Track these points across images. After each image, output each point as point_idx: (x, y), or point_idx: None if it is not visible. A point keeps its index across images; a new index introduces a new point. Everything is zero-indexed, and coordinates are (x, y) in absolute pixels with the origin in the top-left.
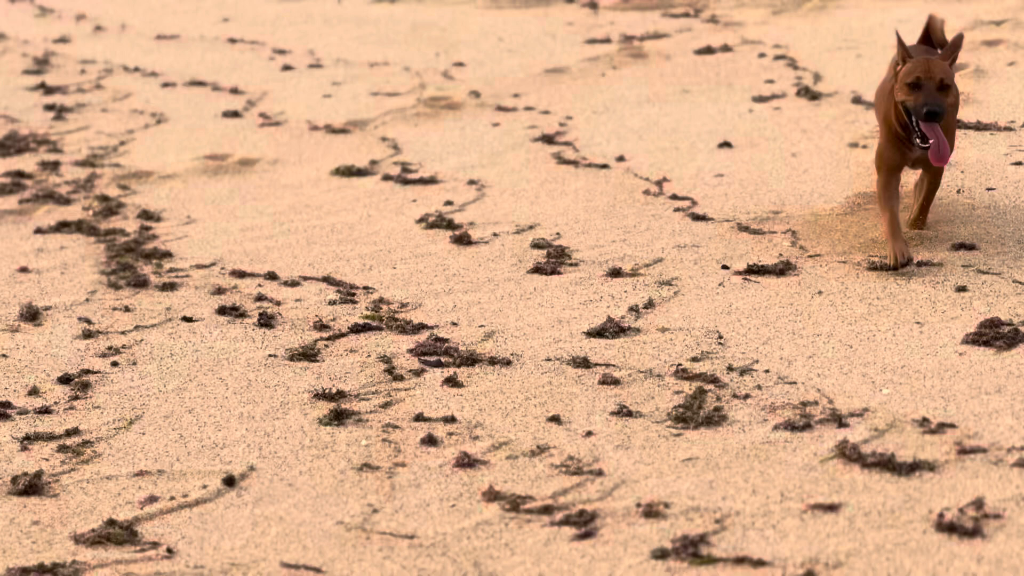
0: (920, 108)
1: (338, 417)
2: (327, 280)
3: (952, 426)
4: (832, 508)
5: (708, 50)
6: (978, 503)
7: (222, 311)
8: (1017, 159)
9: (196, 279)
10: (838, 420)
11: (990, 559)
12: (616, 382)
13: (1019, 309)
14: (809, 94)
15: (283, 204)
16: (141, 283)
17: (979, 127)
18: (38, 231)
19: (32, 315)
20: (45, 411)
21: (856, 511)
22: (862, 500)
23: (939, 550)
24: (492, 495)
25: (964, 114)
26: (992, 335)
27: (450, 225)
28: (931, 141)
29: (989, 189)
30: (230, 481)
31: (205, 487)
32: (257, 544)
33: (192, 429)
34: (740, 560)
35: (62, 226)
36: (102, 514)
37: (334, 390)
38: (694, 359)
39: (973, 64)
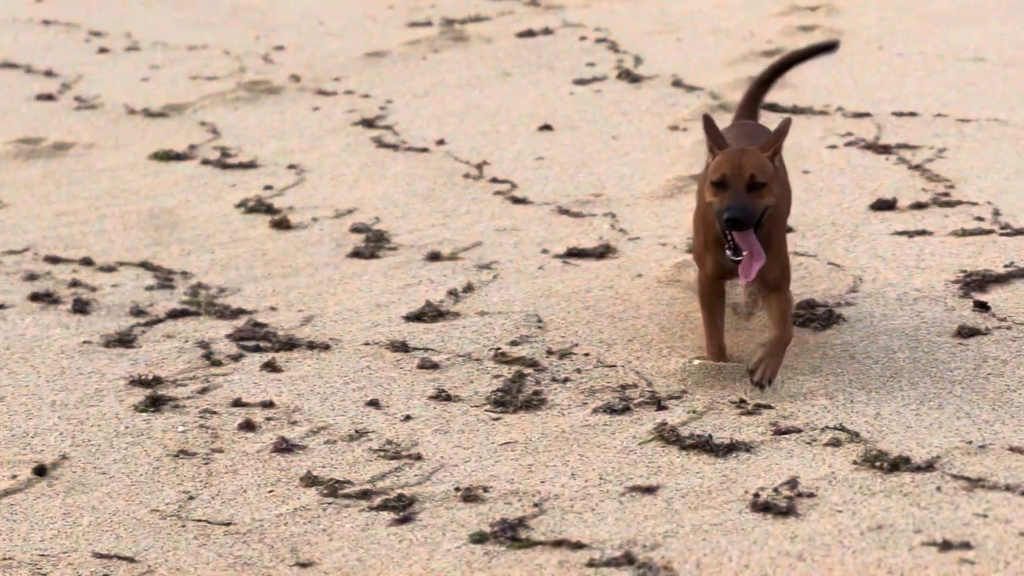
0: (722, 214)
1: (154, 403)
2: (144, 266)
3: (768, 407)
4: (650, 490)
5: (529, 33)
6: (792, 482)
7: (35, 297)
8: (832, 142)
9: (8, 265)
10: (657, 403)
11: (803, 537)
12: (435, 366)
13: (833, 291)
14: (630, 77)
15: (99, 189)
16: None
17: (795, 111)
18: None
19: None
20: None
21: (674, 492)
22: (680, 482)
23: (754, 529)
24: (310, 480)
25: (780, 97)
26: (807, 316)
27: (269, 210)
28: (744, 254)
29: (805, 172)
30: (41, 471)
31: (15, 477)
32: (68, 534)
33: (2, 418)
34: (559, 543)
35: None
36: None
37: (150, 376)
38: (513, 343)
39: (790, 50)
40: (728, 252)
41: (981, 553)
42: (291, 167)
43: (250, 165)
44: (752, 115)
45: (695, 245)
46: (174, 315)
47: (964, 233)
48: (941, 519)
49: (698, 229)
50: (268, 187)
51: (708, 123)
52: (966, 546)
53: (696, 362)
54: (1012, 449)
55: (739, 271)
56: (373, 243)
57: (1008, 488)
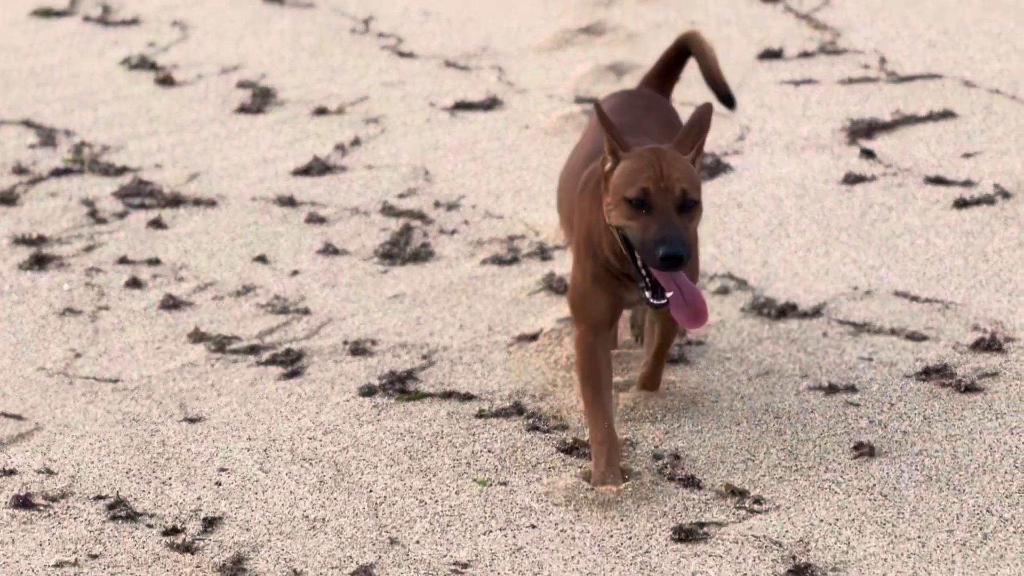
0: (652, 248)
1: (39, 262)
2: (26, 124)
3: None
4: (537, 338)
5: None
6: (681, 331)
7: None
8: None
9: None
10: (543, 253)
11: (693, 383)
12: (322, 220)
13: (720, 140)
14: None
15: None
16: None
17: None
18: None
19: None
20: None
21: (562, 342)
22: (569, 331)
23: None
24: (198, 336)
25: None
26: None
27: (153, 67)
28: (669, 295)
29: (691, 22)
30: None
31: None
32: None
33: None
34: (448, 395)
35: None
36: None
37: (35, 235)
38: (401, 196)
39: (627, 31)
40: (646, 294)
41: (866, 396)
42: (175, 23)
43: (133, 22)
44: (664, 79)
45: (575, 281)
46: (57, 173)
47: (851, 81)
48: (827, 363)
49: (580, 257)
50: (151, 44)
51: (601, 113)
52: (851, 389)
53: (586, 487)
54: (897, 294)
55: (677, 317)
56: (259, 99)
57: (893, 332)
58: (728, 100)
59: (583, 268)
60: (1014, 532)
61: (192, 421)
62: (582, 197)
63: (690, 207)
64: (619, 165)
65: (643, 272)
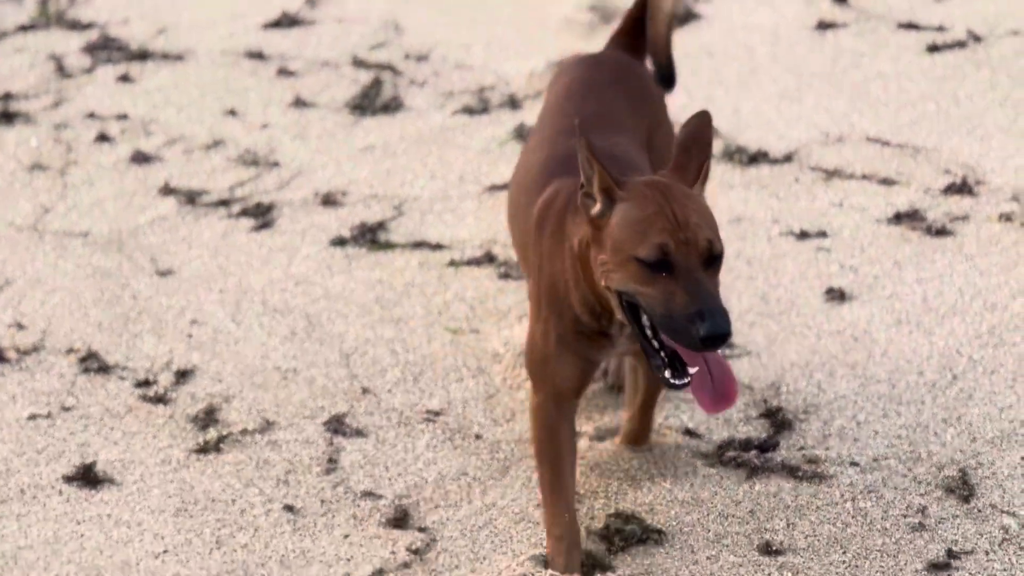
0: (685, 324)
1: (6, 118)
2: None
3: None
4: (507, 187)
5: None
6: None
7: None
8: None
9: None
10: (514, 103)
11: None
12: (292, 74)
13: None
14: None
15: None
16: None
17: None
18: None
19: None
20: None
21: None
22: None
23: None
24: (168, 190)
25: None
26: None
27: None
28: (692, 372)
29: None
30: None
31: None
32: None
33: None
34: (419, 245)
35: None
36: None
37: (1, 91)
38: (371, 48)
39: None
40: (664, 374)
41: (837, 241)
42: None
43: None
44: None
45: (535, 338)
46: (23, 29)
47: None
48: (799, 209)
49: (540, 311)
50: None
51: (588, 148)
52: (822, 234)
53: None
54: (869, 139)
55: (702, 403)
56: None
57: (864, 177)
58: (667, 78)
59: (545, 326)
60: (983, 373)
61: (163, 274)
62: (540, 236)
63: (717, 262)
64: (617, 211)
65: (656, 345)
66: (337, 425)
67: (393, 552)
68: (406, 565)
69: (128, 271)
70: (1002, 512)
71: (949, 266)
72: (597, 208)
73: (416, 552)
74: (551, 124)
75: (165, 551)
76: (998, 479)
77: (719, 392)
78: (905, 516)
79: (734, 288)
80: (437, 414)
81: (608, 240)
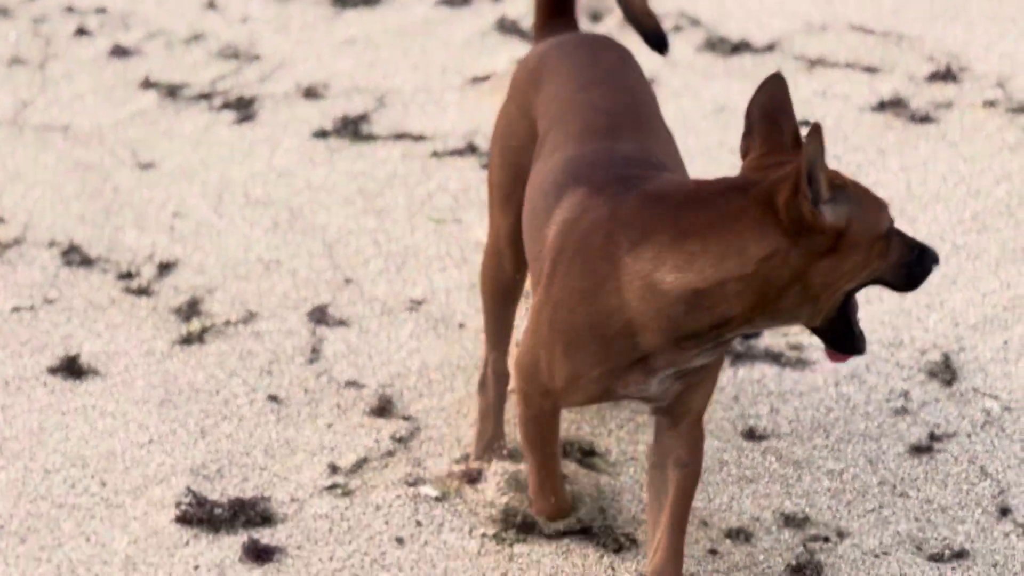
0: (923, 266)
1: None
2: None
3: None
4: (490, 80)
5: None
6: None
7: None
8: None
9: None
10: None
11: None
12: None
13: None
14: None
15: None
16: None
17: None
18: None
19: None
20: None
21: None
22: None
23: None
24: (148, 83)
25: None
26: None
27: None
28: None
29: None
30: None
31: None
32: None
33: None
34: (401, 136)
35: None
36: None
37: None
38: None
39: None
40: (861, 344)
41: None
42: None
43: None
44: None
45: (537, 365)
46: None
47: None
48: None
49: (556, 341)
50: None
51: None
52: (805, 123)
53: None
54: (852, 27)
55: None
56: None
57: (848, 65)
58: (659, 41)
59: (564, 365)
60: (966, 258)
61: (145, 167)
62: (561, 263)
63: None
64: (847, 203)
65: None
66: (320, 315)
67: (377, 441)
68: (390, 453)
69: (109, 164)
70: (984, 395)
71: (933, 153)
72: (829, 210)
73: (400, 440)
74: (578, 119)
75: (150, 441)
76: (980, 363)
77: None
78: (888, 400)
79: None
80: (420, 303)
81: (856, 237)
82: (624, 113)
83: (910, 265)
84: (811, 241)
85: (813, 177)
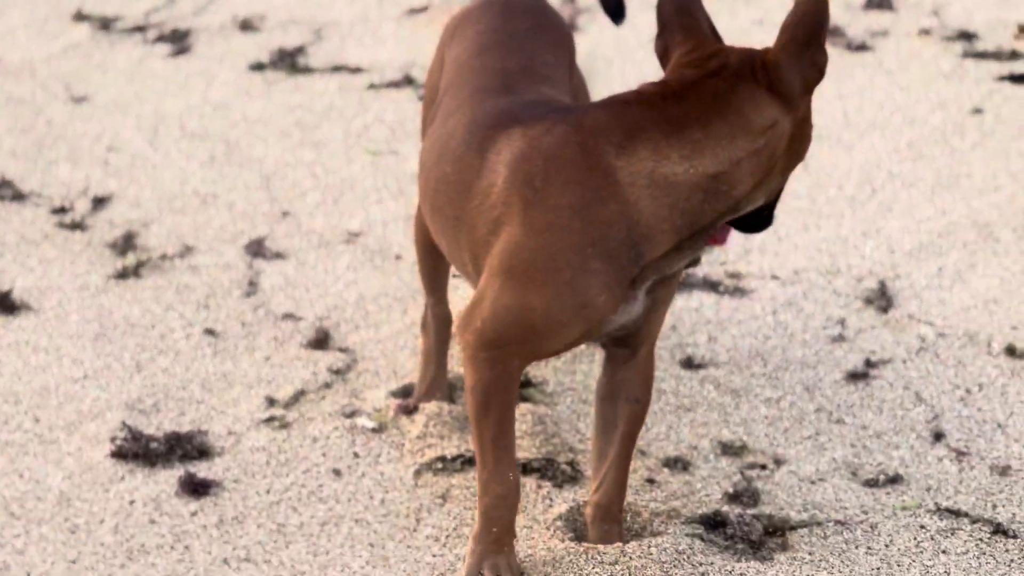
0: None
1: None
2: None
3: None
4: (428, 11)
5: None
6: None
7: None
8: None
9: None
10: None
11: None
12: None
13: None
14: None
15: None
16: None
17: None
18: None
19: None
20: None
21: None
22: None
23: None
24: (81, 16)
25: None
26: None
27: None
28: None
29: None
30: None
31: None
32: None
33: None
34: (338, 68)
35: None
36: None
37: None
38: None
39: None
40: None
41: None
42: None
43: None
44: None
45: (518, 309)
46: None
47: None
48: (719, 28)
49: (543, 275)
50: None
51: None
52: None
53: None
54: None
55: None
56: None
57: None
58: (616, 9)
59: (558, 292)
60: (902, 186)
61: (78, 101)
62: (547, 194)
63: None
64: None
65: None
66: (257, 248)
67: (314, 373)
68: (327, 385)
69: (42, 99)
70: (919, 322)
71: (869, 81)
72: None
73: (337, 372)
74: (470, 83)
75: (84, 376)
76: (915, 290)
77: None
78: (824, 328)
79: None
80: (357, 235)
81: (806, 119)
82: (518, 73)
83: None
84: (798, 107)
85: (816, 37)
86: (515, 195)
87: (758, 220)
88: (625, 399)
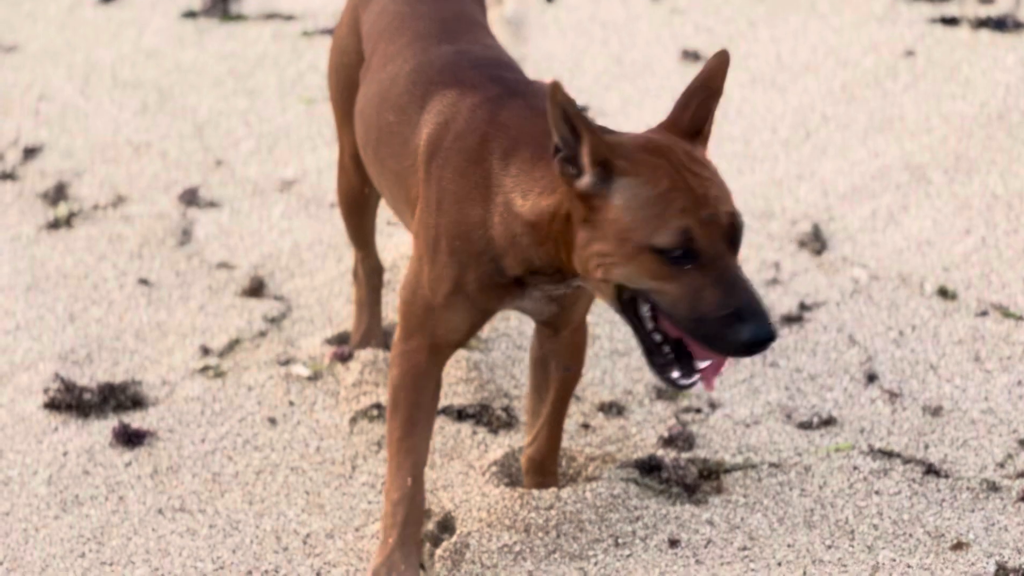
0: (720, 327)
1: None
2: None
3: None
4: None
5: None
6: None
7: None
8: None
9: None
10: None
11: None
12: None
13: None
14: None
15: None
16: None
17: None
18: None
19: None
20: None
21: None
22: None
23: None
24: None
25: None
26: None
27: None
28: (704, 365)
29: None
30: None
31: None
32: None
33: None
34: (271, 16)
35: None
36: None
37: None
38: None
39: None
40: (673, 374)
41: (691, 1)
42: None
43: None
44: None
45: (421, 285)
46: None
47: None
48: None
49: (438, 258)
50: None
51: (565, 98)
52: None
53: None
54: None
55: (704, 382)
56: None
57: None
58: None
59: (440, 272)
60: (835, 128)
61: (7, 50)
62: (436, 170)
63: (740, 240)
64: (620, 188)
65: (658, 339)
66: (191, 197)
67: (249, 321)
68: (262, 334)
69: None
70: (853, 264)
71: (803, 24)
72: (587, 181)
73: (272, 320)
74: (409, 29)
75: (16, 327)
76: (849, 232)
77: (717, 366)
78: (759, 271)
79: (588, 52)
80: (291, 184)
81: (610, 225)
82: (452, 19)
83: (706, 319)
84: (582, 208)
85: (565, 141)
86: (423, 165)
87: (650, 354)
88: (555, 366)
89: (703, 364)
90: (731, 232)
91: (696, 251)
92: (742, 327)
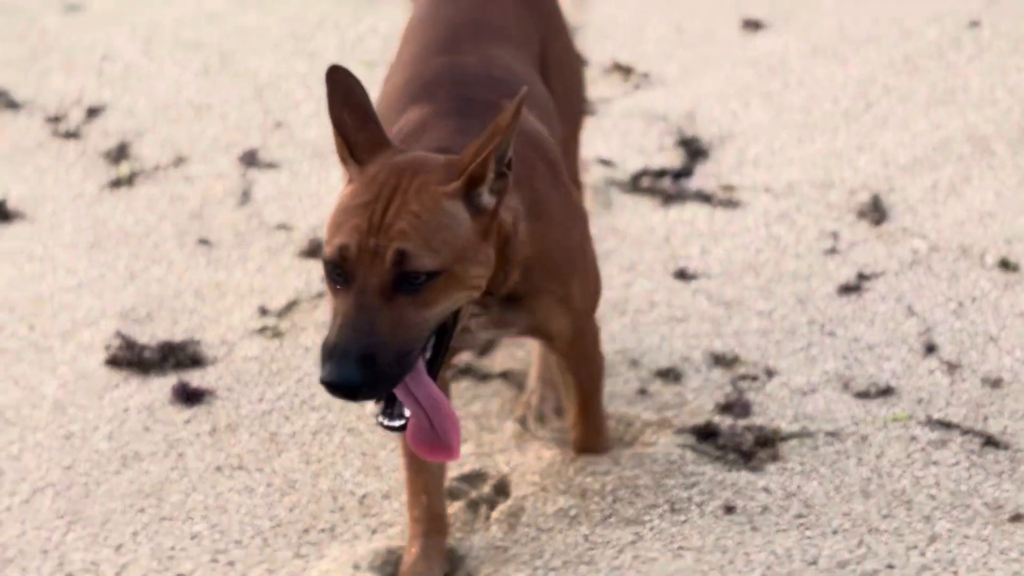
0: (321, 355)
1: None
2: None
3: None
4: None
5: None
6: None
7: None
8: None
9: None
10: None
11: None
12: None
13: None
14: None
15: None
16: None
17: None
18: None
19: None
20: None
21: None
22: None
23: None
24: None
25: None
26: None
27: None
28: (408, 415)
29: None
30: None
31: None
32: None
33: None
34: None
35: None
36: None
37: None
38: None
39: None
40: (378, 417)
41: None
42: None
43: None
44: None
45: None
46: None
47: None
48: None
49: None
50: None
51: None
52: None
53: None
54: None
55: (412, 446)
56: None
57: None
58: None
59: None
60: (896, 100)
61: (72, 9)
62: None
63: (416, 284)
64: (341, 193)
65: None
66: (250, 159)
67: (307, 283)
68: (320, 295)
69: (36, 7)
70: (913, 235)
71: None
72: (345, 171)
73: None
74: (421, 38)
75: (79, 285)
76: (909, 203)
77: (438, 441)
78: (818, 241)
79: (649, 19)
80: None
81: (328, 228)
82: (467, 25)
83: (323, 345)
84: None
85: (336, 146)
86: None
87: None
88: (567, 371)
89: (408, 413)
90: (391, 269)
91: (347, 273)
92: (324, 364)
